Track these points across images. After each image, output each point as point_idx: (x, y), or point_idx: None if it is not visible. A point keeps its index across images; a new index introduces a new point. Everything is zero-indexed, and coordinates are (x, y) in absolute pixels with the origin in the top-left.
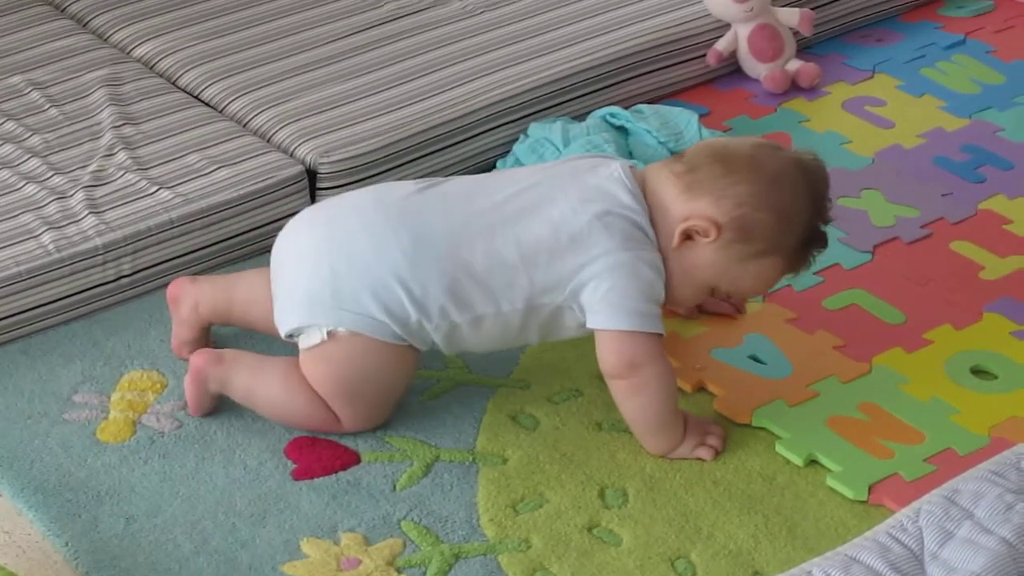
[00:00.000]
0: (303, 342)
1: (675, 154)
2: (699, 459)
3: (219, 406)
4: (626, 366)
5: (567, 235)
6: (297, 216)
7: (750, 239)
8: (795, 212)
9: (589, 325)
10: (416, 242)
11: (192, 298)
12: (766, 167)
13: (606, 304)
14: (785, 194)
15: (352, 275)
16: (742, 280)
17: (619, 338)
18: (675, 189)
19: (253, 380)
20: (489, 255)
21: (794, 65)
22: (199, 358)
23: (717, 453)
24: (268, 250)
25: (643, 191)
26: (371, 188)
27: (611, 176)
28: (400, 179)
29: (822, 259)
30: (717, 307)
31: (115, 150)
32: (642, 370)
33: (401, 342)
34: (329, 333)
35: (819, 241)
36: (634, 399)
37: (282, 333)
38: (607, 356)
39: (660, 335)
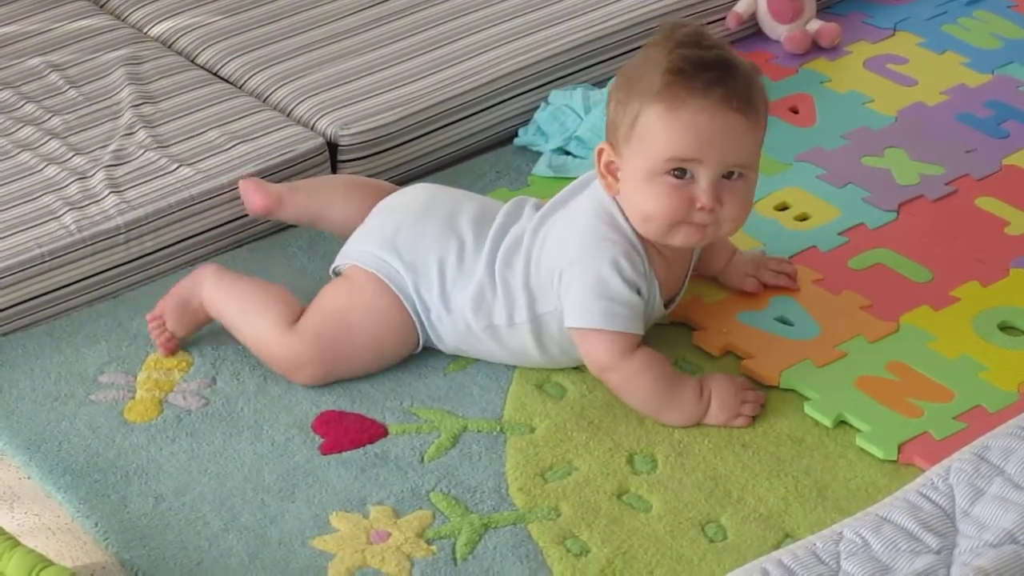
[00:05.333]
0: None
1: None
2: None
3: (245, 383)
4: (596, 368)
5: (556, 249)
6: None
7: (617, 123)
8: (635, 72)
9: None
10: (462, 252)
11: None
12: (624, 72)
13: (565, 302)
14: (630, 71)
15: (404, 246)
16: (654, 145)
17: (579, 337)
18: None
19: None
20: (510, 276)
21: (814, 25)
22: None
23: (753, 419)
24: (290, 225)
25: None
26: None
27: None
28: (420, 149)
29: (847, 219)
30: (776, 280)
31: (135, 129)
32: (612, 374)
33: (405, 305)
34: (353, 266)
35: (681, 67)
36: (623, 396)
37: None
38: (583, 358)
39: (628, 334)
